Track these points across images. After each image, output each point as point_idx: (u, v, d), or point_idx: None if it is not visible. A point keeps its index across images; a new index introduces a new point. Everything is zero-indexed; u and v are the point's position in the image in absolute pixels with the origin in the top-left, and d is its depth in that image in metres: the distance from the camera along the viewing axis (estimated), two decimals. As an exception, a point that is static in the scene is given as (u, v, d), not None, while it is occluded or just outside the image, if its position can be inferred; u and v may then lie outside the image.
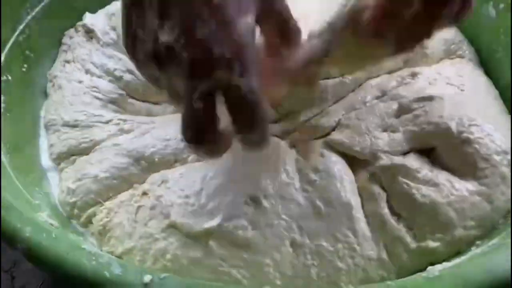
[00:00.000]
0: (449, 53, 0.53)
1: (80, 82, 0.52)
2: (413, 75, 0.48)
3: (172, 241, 0.39)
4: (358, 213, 0.40)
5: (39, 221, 0.37)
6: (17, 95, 0.49)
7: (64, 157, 0.48)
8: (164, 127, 0.47)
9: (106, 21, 0.56)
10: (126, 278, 0.31)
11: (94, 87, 0.51)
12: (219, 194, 0.41)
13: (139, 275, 0.31)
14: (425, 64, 0.51)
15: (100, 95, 0.51)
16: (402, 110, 0.45)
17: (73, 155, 0.48)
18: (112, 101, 0.51)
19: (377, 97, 0.47)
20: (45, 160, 0.49)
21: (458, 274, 0.32)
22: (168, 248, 0.39)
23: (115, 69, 0.52)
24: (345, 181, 0.41)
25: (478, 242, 0.39)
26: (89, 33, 0.56)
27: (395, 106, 0.45)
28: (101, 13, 0.58)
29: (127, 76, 0.52)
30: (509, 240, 0.34)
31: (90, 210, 0.44)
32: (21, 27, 0.52)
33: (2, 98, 0.47)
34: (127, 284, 0.31)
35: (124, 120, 0.49)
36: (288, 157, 0.43)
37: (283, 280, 0.38)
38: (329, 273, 0.38)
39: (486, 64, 0.53)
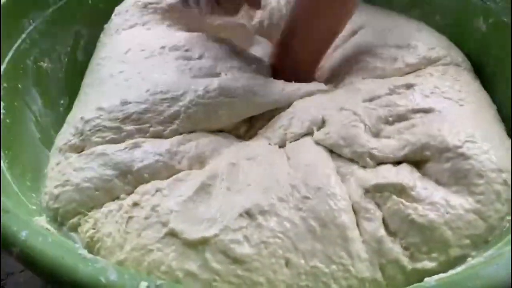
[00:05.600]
0: (434, 59, 0.53)
1: None
2: (408, 86, 0.48)
3: (168, 251, 0.38)
4: (353, 233, 0.39)
5: (35, 225, 0.37)
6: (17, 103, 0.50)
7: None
8: (156, 142, 0.46)
9: None
10: (121, 284, 0.30)
11: None
12: (216, 204, 0.41)
13: (135, 281, 0.31)
14: (399, 74, 0.52)
15: None
16: (397, 118, 0.46)
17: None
18: None
19: (365, 100, 0.48)
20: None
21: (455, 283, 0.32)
22: (163, 259, 0.38)
23: None
24: (339, 199, 0.41)
25: (473, 253, 0.39)
26: None
27: (388, 113, 0.46)
28: None
29: None
30: (508, 249, 0.34)
31: (74, 219, 0.43)
32: (23, 36, 0.52)
33: (2, 104, 0.47)
34: (123, 290, 0.30)
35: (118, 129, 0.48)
36: (280, 169, 0.43)
37: (275, 301, 0.37)
38: (322, 295, 0.37)
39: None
